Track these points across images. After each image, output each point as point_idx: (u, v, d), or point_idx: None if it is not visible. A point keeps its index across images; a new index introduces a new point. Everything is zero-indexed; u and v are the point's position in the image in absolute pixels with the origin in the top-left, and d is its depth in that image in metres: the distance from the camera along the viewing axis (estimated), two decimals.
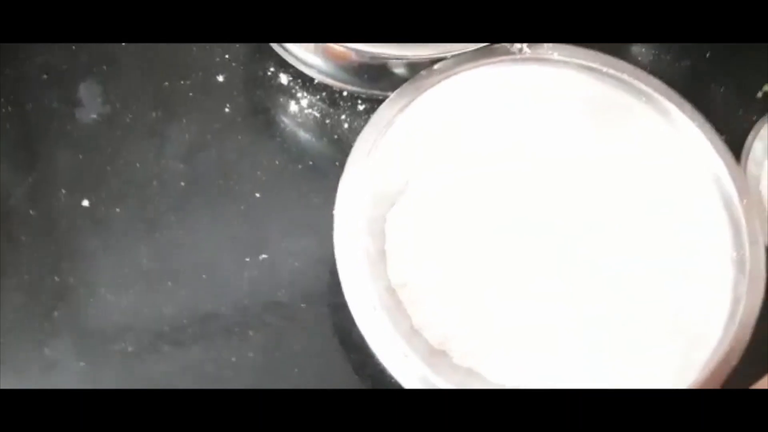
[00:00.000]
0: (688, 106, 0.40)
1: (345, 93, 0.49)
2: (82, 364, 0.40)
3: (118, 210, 0.44)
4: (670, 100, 0.40)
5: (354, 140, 0.47)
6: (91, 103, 0.47)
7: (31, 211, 0.43)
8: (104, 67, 0.48)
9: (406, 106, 0.41)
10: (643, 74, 0.41)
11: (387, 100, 0.42)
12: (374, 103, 0.48)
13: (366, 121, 0.48)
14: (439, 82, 0.41)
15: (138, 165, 0.45)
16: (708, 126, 0.42)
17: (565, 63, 0.42)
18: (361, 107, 0.49)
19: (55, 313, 0.41)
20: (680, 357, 0.38)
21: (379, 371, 0.41)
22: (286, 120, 0.48)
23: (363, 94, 0.48)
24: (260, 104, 0.48)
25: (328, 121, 0.48)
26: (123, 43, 0.49)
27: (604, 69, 0.41)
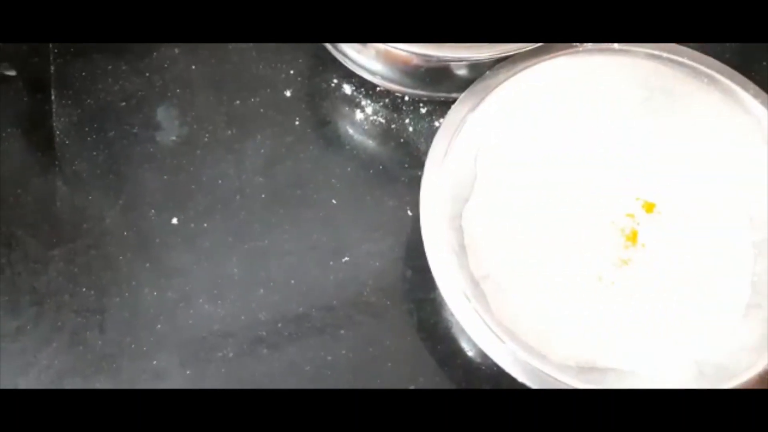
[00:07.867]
0: (752, 85, 0.42)
1: (407, 98, 0.51)
2: (188, 372, 0.42)
3: (205, 225, 0.46)
4: (732, 80, 0.42)
5: (419, 142, 0.50)
6: (169, 126, 0.49)
7: (125, 232, 0.46)
8: (178, 91, 0.50)
9: (476, 105, 0.43)
10: (705, 57, 0.43)
11: (458, 101, 0.43)
12: (435, 106, 0.50)
13: (429, 123, 0.50)
14: (506, 79, 0.43)
15: (220, 181, 0.48)
16: None
17: (626, 51, 0.43)
18: (423, 110, 0.51)
19: (158, 326, 0.43)
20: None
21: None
22: (353, 128, 0.50)
23: (425, 97, 0.50)
24: (328, 115, 0.50)
25: (393, 126, 0.50)
26: (193, 66, 0.51)
27: (665, 54, 0.43)
